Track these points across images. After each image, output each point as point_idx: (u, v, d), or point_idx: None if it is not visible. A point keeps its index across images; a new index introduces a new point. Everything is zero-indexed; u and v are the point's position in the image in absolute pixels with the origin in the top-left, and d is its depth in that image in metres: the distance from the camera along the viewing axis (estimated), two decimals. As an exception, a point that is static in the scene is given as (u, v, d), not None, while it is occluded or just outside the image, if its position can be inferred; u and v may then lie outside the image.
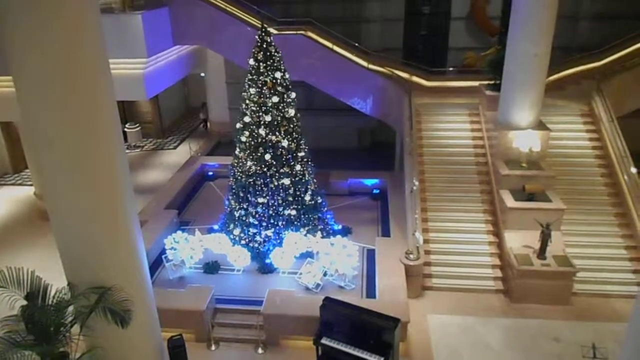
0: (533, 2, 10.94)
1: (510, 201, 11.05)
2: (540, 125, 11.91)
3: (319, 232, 11.75)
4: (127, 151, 17.92)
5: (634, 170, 11.76)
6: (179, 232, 11.31)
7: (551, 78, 13.36)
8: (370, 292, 10.40)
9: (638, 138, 12.86)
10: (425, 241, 11.26)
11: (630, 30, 14.65)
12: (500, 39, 13.36)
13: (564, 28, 14.98)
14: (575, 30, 16.35)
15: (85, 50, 5.49)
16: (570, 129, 13.41)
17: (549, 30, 11.13)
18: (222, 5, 15.48)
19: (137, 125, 20.59)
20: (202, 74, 20.51)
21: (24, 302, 5.78)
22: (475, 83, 14.18)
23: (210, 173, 16.25)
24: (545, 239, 10.25)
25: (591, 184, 12.27)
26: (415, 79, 15.13)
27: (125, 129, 19.72)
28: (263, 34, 10.72)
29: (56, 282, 6.12)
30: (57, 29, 5.20)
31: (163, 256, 11.16)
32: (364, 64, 15.13)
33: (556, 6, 11.03)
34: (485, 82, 13.63)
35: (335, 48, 15.16)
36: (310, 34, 15.30)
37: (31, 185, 16.22)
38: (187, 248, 11.06)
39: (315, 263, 10.80)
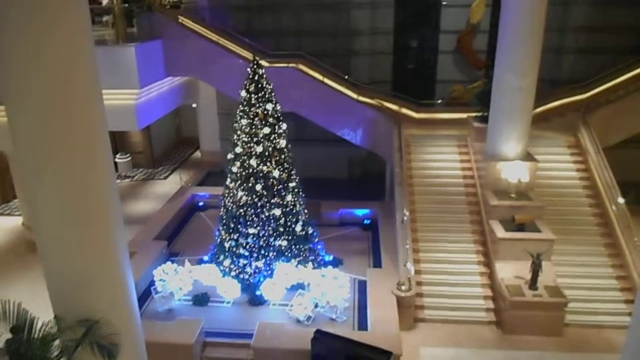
0: (517, 37, 11.26)
1: (500, 232, 11.10)
2: (528, 157, 12.09)
3: (310, 263, 11.67)
4: (117, 181, 17.84)
5: (621, 200, 11.93)
6: (168, 263, 11.18)
7: (537, 110, 13.63)
8: (362, 324, 10.28)
9: (624, 168, 13.10)
10: (417, 272, 11.23)
11: (613, 64, 15.08)
12: (487, 72, 13.71)
13: (548, 61, 15.39)
14: (560, 63, 16.78)
15: (78, 80, 5.53)
16: (558, 160, 13.63)
17: (534, 63, 11.44)
18: (214, 38, 15.76)
19: (128, 155, 20.59)
20: (194, 105, 20.67)
21: (10, 336, 5.64)
22: (464, 115, 14.44)
23: (201, 203, 16.18)
24: (536, 269, 10.27)
25: (580, 214, 12.39)
26: (404, 110, 15.35)
27: (116, 160, 19.69)
28: (255, 66, 10.89)
29: (43, 314, 5.99)
30: (50, 59, 5.25)
31: (152, 288, 11.00)
32: (354, 96, 15.37)
33: (541, 40, 11.37)
34: (473, 114, 13.88)
35: (326, 80, 15.41)
36: (301, 66, 15.57)
37: (19, 215, 16.04)
38: (176, 279, 10.92)
39: (307, 295, 10.69)
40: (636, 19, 16.08)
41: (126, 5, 16.05)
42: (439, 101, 16.96)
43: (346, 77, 15.86)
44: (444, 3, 16.96)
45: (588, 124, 13.85)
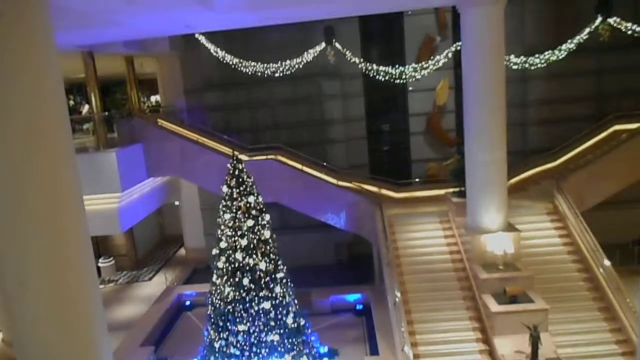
0: (482, 115, 11.87)
1: (493, 306, 10.96)
2: (510, 227, 12.26)
3: (305, 357, 11.22)
4: (101, 286, 17.34)
5: (607, 262, 12.00)
6: (156, 370, 10.66)
7: (512, 181, 14.07)
8: (364, 419, 9.76)
9: (604, 230, 13.32)
10: (415, 356, 10.85)
11: (575, 132, 15.87)
12: (459, 148, 14.23)
13: (515, 134, 16.15)
14: (526, 135, 17.58)
15: (60, 190, 5.62)
16: (539, 228, 13.80)
17: (501, 137, 11.97)
18: (193, 137, 16.25)
19: (111, 258, 20.22)
20: (177, 203, 20.75)
21: None
22: (442, 191, 14.79)
23: (188, 303, 15.77)
24: (535, 342, 10.04)
25: (569, 280, 12.36)
26: (384, 191, 15.68)
27: (99, 264, 19.30)
28: (235, 161, 11.14)
29: None
30: (30, 170, 5.35)
31: (139, 400, 10.38)
32: (334, 181, 15.70)
33: (504, 115, 11.98)
34: (451, 190, 14.19)
35: (305, 169, 15.79)
36: (280, 157, 16.00)
37: (-2, 332, 15.30)
38: (165, 388, 10.36)
39: (303, 392, 10.18)
40: (591, 90, 17.20)
41: (106, 113, 16.58)
42: (417, 180, 17.40)
43: (324, 163, 16.28)
44: (410, 89, 17.94)
45: (563, 190, 14.24)
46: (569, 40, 14.88)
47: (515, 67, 15.18)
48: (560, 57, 15.14)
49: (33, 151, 5.40)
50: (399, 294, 11.79)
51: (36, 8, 5.40)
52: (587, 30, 14.56)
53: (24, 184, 5.36)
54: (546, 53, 15.20)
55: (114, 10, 9.75)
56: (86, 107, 24.28)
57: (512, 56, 14.93)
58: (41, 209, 5.48)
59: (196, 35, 15.53)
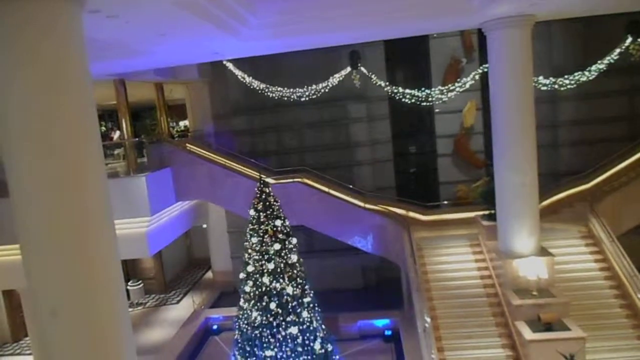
0: (511, 137, 11.68)
1: (527, 333, 10.58)
2: (543, 252, 11.91)
3: (332, 384, 11.03)
4: (130, 309, 17.54)
5: (646, 288, 11.53)
6: (183, 396, 10.61)
7: (544, 203, 13.71)
8: None
9: (643, 255, 12.84)
10: (446, 384, 10.55)
11: (608, 153, 15.45)
12: (488, 170, 14.00)
13: (546, 156, 15.84)
14: (558, 156, 17.21)
15: (92, 215, 5.70)
16: (574, 252, 13.36)
17: (532, 159, 11.73)
18: (221, 161, 16.45)
19: (140, 282, 20.43)
20: (204, 226, 20.93)
21: None
22: (471, 214, 14.50)
23: (215, 327, 15.76)
24: (572, 372, 9.64)
25: (606, 307, 11.87)
26: (411, 214, 15.49)
27: (128, 287, 19.51)
28: (261, 185, 11.21)
29: None
30: (64, 197, 5.45)
31: None
32: (360, 204, 15.61)
33: (534, 137, 11.76)
34: (481, 213, 13.93)
35: (331, 191, 15.77)
36: (306, 180, 16.03)
37: (30, 354, 15.54)
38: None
39: (331, 420, 9.96)
40: (624, 110, 16.80)
41: (136, 139, 16.98)
42: (445, 202, 17.15)
43: (350, 186, 16.23)
44: (437, 110, 17.84)
45: (597, 212, 13.82)
46: (599, 61, 14.63)
47: (544, 88, 14.97)
48: (591, 78, 14.87)
49: (66, 177, 5.51)
50: (428, 320, 11.52)
51: (73, 40, 5.59)
52: (617, 50, 14.31)
53: (55, 210, 5.46)
54: (576, 74, 14.96)
55: (146, 41, 10.05)
56: (117, 133, 24.96)
57: (540, 77, 14.75)
58: (72, 234, 5.56)
59: (224, 62, 15.86)
